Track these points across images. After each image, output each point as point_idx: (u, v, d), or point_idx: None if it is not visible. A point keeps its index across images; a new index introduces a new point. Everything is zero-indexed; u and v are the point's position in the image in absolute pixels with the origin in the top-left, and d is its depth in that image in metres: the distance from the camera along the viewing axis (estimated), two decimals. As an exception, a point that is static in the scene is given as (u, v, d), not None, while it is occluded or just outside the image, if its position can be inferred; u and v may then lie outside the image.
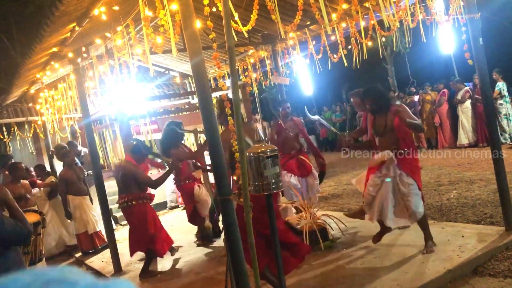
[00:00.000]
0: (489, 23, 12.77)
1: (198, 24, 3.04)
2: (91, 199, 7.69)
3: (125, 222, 9.57)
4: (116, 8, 4.01)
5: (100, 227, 7.33)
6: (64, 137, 9.56)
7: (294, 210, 5.92)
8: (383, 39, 5.91)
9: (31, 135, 10.39)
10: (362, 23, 5.86)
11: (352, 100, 5.50)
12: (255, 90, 8.86)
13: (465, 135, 11.31)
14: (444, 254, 4.31)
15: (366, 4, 5.47)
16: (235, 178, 4.94)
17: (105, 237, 6.94)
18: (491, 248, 4.32)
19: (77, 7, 4.06)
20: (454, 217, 5.65)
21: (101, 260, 6.93)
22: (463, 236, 4.71)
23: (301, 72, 8.11)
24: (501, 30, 14.72)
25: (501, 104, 10.50)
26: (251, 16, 3.70)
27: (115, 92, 5.95)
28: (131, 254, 5.75)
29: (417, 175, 4.48)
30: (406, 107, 4.63)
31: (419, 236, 4.81)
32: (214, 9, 3.22)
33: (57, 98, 7.76)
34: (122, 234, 8.57)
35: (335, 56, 6.38)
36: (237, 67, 9.24)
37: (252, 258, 3.17)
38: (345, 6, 4.63)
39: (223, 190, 3.16)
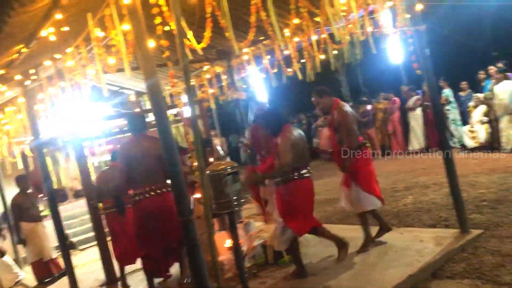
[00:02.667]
0: (434, 33, 13.39)
1: (151, 43, 3.00)
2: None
3: (83, 246, 9.29)
4: (65, 29, 3.90)
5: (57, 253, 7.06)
6: (13, 161, 9.15)
7: (256, 225, 5.91)
8: (335, 51, 6.05)
9: (-22, 161, 9.87)
10: (314, 37, 5.98)
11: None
12: (212, 106, 8.84)
13: (417, 140, 11.73)
14: (404, 260, 4.42)
15: (317, 19, 5.59)
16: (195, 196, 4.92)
17: (62, 264, 6.67)
18: (448, 250, 4.47)
19: (23, 29, 3.93)
20: (412, 222, 5.82)
21: (59, 289, 6.66)
22: (421, 241, 4.85)
23: (257, 86, 8.17)
24: (445, 39, 15.44)
25: (448, 109, 10.97)
26: (205, 34, 3.70)
27: (68, 114, 5.77)
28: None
29: None
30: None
31: (378, 244, 4.94)
32: (167, 28, 3.19)
33: (6, 122, 7.43)
34: (80, 259, 8.28)
35: (289, 70, 6.48)
36: (193, 83, 9.22)
37: (216, 276, 3.14)
38: (296, 21, 4.71)
39: (184, 210, 3.10)
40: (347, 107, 4.95)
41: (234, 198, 3.41)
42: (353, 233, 5.17)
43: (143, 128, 4.59)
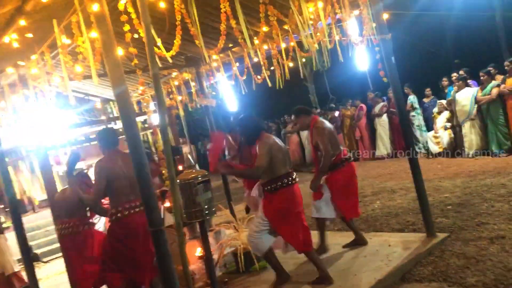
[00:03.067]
0: (399, 41, 13.74)
1: (120, 51, 2.95)
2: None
3: (48, 258, 8.99)
4: (29, 35, 3.80)
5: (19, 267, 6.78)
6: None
7: (226, 232, 5.89)
8: (303, 59, 6.11)
9: None
10: (283, 45, 6.03)
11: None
12: (181, 113, 8.76)
13: (384, 146, 11.98)
14: (374, 264, 4.48)
15: (286, 27, 5.65)
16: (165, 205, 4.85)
17: (25, 278, 6.42)
18: (416, 254, 4.56)
19: (-16, 35, 3.80)
20: (380, 227, 5.91)
21: (23, 303, 6.41)
22: (389, 245, 4.93)
23: (227, 93, 8.15)
24: (409, 47, 15.88)
25: (413, 116, 11.24)
26: (175, 41, 3.67)
27: (31, 122, 5.60)
28: None
29: None
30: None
31: (347, 250, 5.00)
32: (136, 36, 3.15)
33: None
34: (44, 271, 8.02)
35: (258, 77, 6.50)
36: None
37: (187, 285, 3.10)
38: (265, 29, 4.74)
39: (154, 220, 3.05)
40: (325, 125, 5.03)
41: (206, 207, 3.39)
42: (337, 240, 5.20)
43: (115, 143, 4.41)
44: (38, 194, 10.54)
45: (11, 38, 3.87)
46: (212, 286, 3.51)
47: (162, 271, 3.11)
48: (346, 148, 5.19)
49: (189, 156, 3.43)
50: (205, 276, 4.68)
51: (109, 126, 4.98)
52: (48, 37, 3.88)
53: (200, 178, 3.33)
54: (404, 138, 5.72)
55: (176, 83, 8.68)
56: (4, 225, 7.27)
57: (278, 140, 4.30)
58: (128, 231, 4.14)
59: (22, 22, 3.56)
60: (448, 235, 4.97)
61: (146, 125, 7.58)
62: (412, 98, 11.31)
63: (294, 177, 4.29)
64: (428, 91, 11.45)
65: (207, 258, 3.52)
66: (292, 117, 5.22)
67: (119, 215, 4.15)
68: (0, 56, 4.39)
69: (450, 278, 3.97)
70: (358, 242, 5.14)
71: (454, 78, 10.01)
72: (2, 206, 9.90)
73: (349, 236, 5.32)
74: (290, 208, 4.18)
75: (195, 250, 5.04)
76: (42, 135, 5.62)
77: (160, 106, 2.81)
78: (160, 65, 3.79)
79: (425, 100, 11.45)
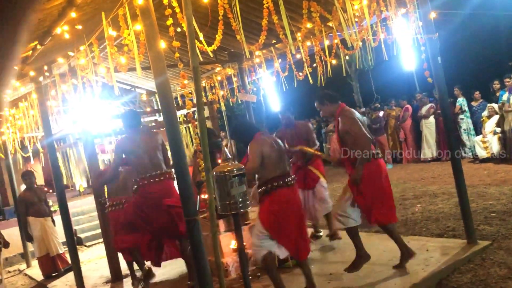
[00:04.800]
0: (449, 41, 13.29)
1: (162, 44, 3.03)
2: (53, 221, 7.45)
3: (91, 243, 9.37)
4: (79, 27, 3.96)
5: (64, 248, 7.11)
6: (26, 156, 9.27)
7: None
8: (347, 57, 6.04)
9: (-9, 155, 10.01)
10: (326, 42, 5.98)
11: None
12: (223, 107, 8.87)
13: (429, 149, 11.63)
14: (410, 269, 4.38)
15: (330, 24, 5.60)
16: (202, 196, 4.93)
17: (68, 259, 6.72)
18: (454, 261, 4.42)
19: (38, 26, 3.99)
20: (419, 231, 5.77)
21: (65, 284, 6.71)
22: (427, 250, 4.81)
23: (268, 90, 8.18)
24: (460, 48, 15.32)
25: (462, 119, 10.86)
26: (216, 36, 3.72)
27: (79, 111, 5.84)
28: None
29: None
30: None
31: (384, 252, 4.91)
32: (179, 30, 3.22)
33: (19, 117, 7.54)
34: (86, 255, 8.35)
35: (300, 73, 6.48)
36: (204, 85, 9.26)
37: (219, 276, 3.15)
38: (309, 25, 4.72)
39: (189, 210, 3.12)
40: (353, 114, 4.39)
41: (240, 200, 3.41)
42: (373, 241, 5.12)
43: (137, 123, 4.80)
44: (84, 181, 10.99)
45: (62, 30, 4.05)
46: (244, 278, 3.54)
47: (195, 260, 3.18)
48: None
49: (226, 150, 3.47)
50: (239, 268, 4.74)
51: (132, 108, 5.28)
52: (96, 29, 4.03)
53: (235, 171, 3.36)
54: (448, 141, 5.49)
55: (219, 78, 8.79)
56: (52, 209, 7.62)
57: (273, 141, 4.03)
58: (145, 199, 4.56)
59: (73, 14, 3.71)
60: (490, 243, 4.78)
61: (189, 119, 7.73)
62: (462, 101, 10.92)
63: (290, 179, 4.01)
64: (477, 94, 11.02)
65: (240, 251, 3.56)
66: (315, 104, 4.69)
67: (140, 183, 4.56)
68: (52, 46, 4.60)
69: (489, 288, 3.84)
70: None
71: (507, 81, 9.58)
72: (51, 190, 10.39)
73: (387, 239, 5.22)
74: (282, 211, 3.90)
75: (230, 243, 5.10)
76: (88, 124, 5.86)
77: (199, 99, 2.87)
78: (203, 60, 3.85)
79: (474, 103, 11.04)
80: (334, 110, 4.47)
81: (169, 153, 4.40)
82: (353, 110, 4.49)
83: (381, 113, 12.93)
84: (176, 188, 4.24)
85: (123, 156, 4.66)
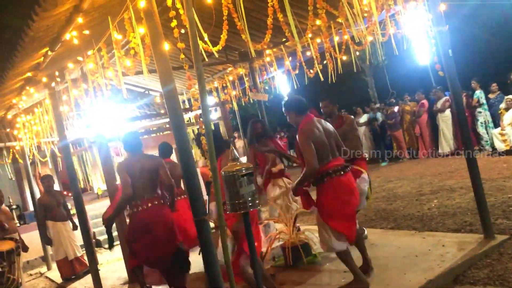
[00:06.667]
0: (463, 33, 13.06)
1: (166, 46, 3.05)
2: (74, 224, 7.54)
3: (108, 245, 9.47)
4: (86, 32, 4.01)
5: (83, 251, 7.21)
6: (44, 161, 9.44)
7: (276, 226, 5.91)
8: (357, 53, 5.98)
9: (10, 161, 10.22)
10: (336, 38, 5.94)
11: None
12: (235, 107, 8.88)
13: (447, 143, 11.46)
14: (425, 264, 4.32)
15: (339, 20, 5.56)
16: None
17: (87, 262, 6.81)
18: (471, 256, 4.35)
19: (47, 32, 4.05)
20: (435, 226, 5.69)
21: (84, 286, 6.82)
22: (443, 245, 4.74)
23: (280, 88, 8.17)
24: (475, 39, 15.05)
25: (480, 112, 10.69)
26: (221, 36, 3.73)
27: (93, 115, 5.92)
28: None
29: None
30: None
31: (399, 248, 4.86)
32: (183, 31, 3.24)
33: (34, 123, 7.68)
34: (105, 258, 8.45)
35: (311, 71, 6.45)
36: (216, 85, 9.29)
37: (228, 275, 3.16)
38: (318, 22, 4.68)
39: (198, 210, 3.14)
40: (309, 130, 4.01)
41: (249, 199, 3.40)
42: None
43: (139, 146, 4.84)
44: (101, 183, 11.13)
45: (71, 35, 4.10)
46: (255, 277, 3.53)
47: (205, 260, 3.19)
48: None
49: (234, 149, 3.47)
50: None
51: (133, 130, 5.32)
52: (104, 34, 4.08)
53: (244, 171, 3.35)
54: (461, 135, 5.39)
55: (231, 78, 8.81)
56: (72, 212, 7.74)
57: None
58: (138, 226, 4.57)
59: (80, 20, 3.76)
60: (508, 237, 4.69)
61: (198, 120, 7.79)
62: (479, 93, 10.74)
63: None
64: (494, 86, 10.82)
65: (250, 250, 3.55)
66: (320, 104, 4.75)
67: (134, 210, 4.57)
68: (63, 52, 4.67)
69: (507, 283, 3.75)
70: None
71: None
72: (70, 194, 10.55)
73: (402, 235, 5.16)
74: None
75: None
76: (102, 128, 5.93)
77: (203, 100, 2.88)
78: (214, 60, 3.86)
79: (491, 96, 10.84)
80: (298, 121, 4.16)
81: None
82: (317, 124, 4.12)
83: (396, 109, 12.80)
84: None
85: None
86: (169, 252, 4.58)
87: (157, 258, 4.59)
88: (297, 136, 4.10)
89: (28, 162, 9.09)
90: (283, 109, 4.34)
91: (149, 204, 4.56)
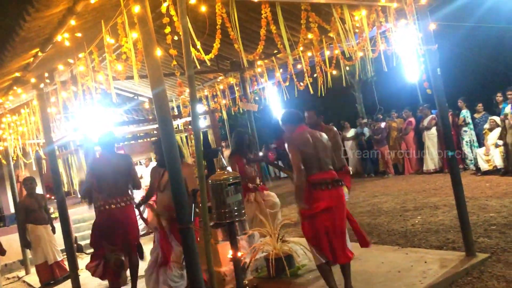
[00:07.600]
0: (453, 52, 13.29)
1: (159, 52, 3.06)
2: (53, 228, 7.44)
3: (91, 250, 9.34)
4: (78, 35, 3.99)
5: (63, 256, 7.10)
6: (28, 163, 9.30)
7: (259, 236, 5.89)
8: (347, 68, 6.05)
9: (-8, 162, 10.04)
10: (327, 53, 6.00)
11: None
12: (224, 116, 8.89)
13: (432, 160, 11.59)
14: (407, 280, 4.34)
15: (331, 34, 5.62)
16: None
17: (67, 267, 6.70)
18: (452, 273, 4.38)
19: (39, 33, 4.02)
20: (418, 242, 5.73)
21: (62, 292, 6.70)
22: (426, 262, 4.77)
23: (270, 99, 8.21)
24: (465, 59, 15.33)
25: (465, 131, 10.85)
26: (214, 44, 3.75)
27: (81, 118, 5.88)
28: None
29: None
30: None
31: (382, 264, 4.87)
32: (176, 38, 3.25)
33: (20, 124, 7.58)
34: (85, 263, 8.31)
35: (301, 83, 6.50)
36: (206, 93, 9.30)
37: (212, 285, 3.14)
38: (310, 36, 4.73)
39: (183, 218, 3.12)
40: (298, 141, 4.06)
41: (235, 208, 3.41)
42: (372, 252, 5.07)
43: (112, 145, 5.28)
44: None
45: (63, 37, 4.08)
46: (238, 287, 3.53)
47: (188, 268, 3.17)
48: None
49: (222, 158, 3.48)
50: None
51: (109, 130, 5.56)
52: (96, 37, 4.07)
53: (231, 180, 3.36)
54: (446, 153, 5.47)
55: (221, 87, 8.82)
56: (53, 216, 7.62)
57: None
58: (104, 222, 5.07)
59: (72, 22, 3.75)
60: (489, 255, 4.74)
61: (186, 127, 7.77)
62: (465, 113, 10.92)
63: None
64: (479, 106, 11.01)
65: (234, 260, 3.55)
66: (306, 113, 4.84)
67: (101, 208, 5.03)
68: (53, 54, 4.64)
69: (487, 301, 3.80)
70: None
71: (510, 94, 9.53)
72: (53, 197, 10.40)
73: (386, 250, 5.18)
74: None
75: (228, 252, 5.06)
76: (89, 131, 5.88)
77: (193, 108, 2.88)
78: (205, 68, 3.88)
79: (476, 115, 11.02)
80: (293, 132, 4.22)
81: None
82: (307, 135, 4.12)
83: (382, 124, 12.93)
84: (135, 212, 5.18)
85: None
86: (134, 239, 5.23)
87: (121, 245, 5.15)
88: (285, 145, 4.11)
89: (12, 164, 8.94)
90: (280, 123, 4.41)
91: (118, 204, 5.02)
